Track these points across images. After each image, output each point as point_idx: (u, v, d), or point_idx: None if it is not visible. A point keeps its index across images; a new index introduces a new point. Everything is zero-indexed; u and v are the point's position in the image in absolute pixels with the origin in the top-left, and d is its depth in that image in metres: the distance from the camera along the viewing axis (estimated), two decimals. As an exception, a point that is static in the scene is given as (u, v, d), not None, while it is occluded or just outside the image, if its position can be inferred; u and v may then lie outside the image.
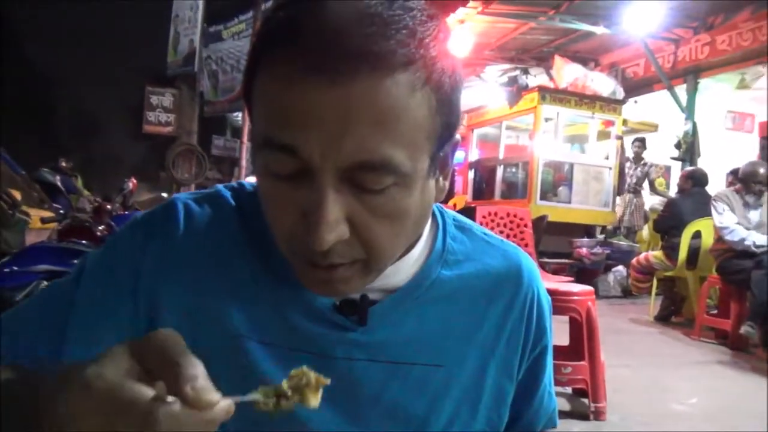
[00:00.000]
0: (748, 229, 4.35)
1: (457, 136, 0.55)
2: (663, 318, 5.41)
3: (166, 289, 0.58)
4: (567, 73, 7.95)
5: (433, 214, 0.66)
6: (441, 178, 0.56)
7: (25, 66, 26.13)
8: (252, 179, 0.69)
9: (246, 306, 0.58)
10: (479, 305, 0.64)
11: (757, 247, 4.20)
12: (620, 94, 7.86)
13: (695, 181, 5.53)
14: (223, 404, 0.37)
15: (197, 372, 0.36)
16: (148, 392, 0.35)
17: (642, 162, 7.79)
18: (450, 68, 0.49)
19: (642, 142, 7.90)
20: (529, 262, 0.70)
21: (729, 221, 4.37)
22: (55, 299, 0.59)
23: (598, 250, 6.83)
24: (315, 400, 0.41)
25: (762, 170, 4.44)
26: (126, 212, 3.76)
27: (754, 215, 4.43)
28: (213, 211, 0.62)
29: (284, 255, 0.53)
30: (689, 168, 6.49)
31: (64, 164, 8.11)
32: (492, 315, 0.65)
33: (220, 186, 0.65)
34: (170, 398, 0.35)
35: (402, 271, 0.60)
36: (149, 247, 0.59)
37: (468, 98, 10.48)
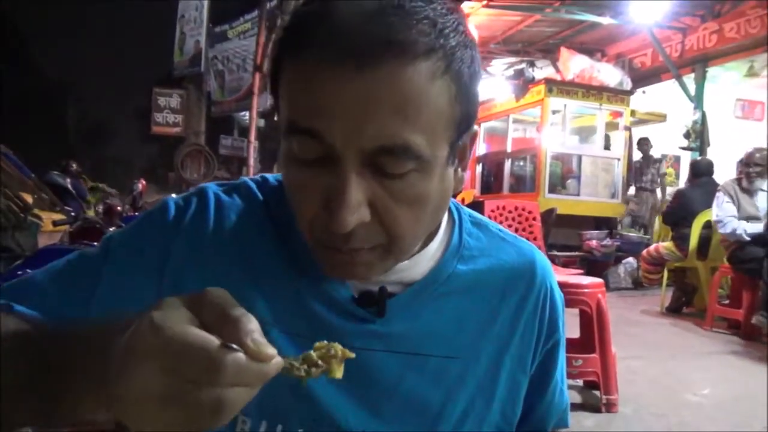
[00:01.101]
0: (755, 217, 4.33)
1: (475, 128, 0.57)
2: (674, 309, 5.39)
3: (193, 274, 0.59)
4: (574, 64, 7.92)
5: (450, 211, 0.67)
6: (460, 169, 0.57)
7: (33, 69, 26.35)
8: (273, 174, 0.71)
9: (270, 296, 0.60)
10: (494, 299, 0.66)
11: (749, 234, 4.19)
12: (628, 84, 7.81)
13: (702, 170, 5.50)
14: (278, 359, 0.38)
15: (255, 327, 0.37)
16: (215, 340, 0.36)
17: (653, 160, 7.80)
18: (469, 59, 0.51)
19: (647, 141, 7.91)
20: (542, 259, 0.71)
21: (724, 214, 4.36)
22: (82, 271, 0.60)
23: (607, 242, 6.80)
24: (339, 372, 0.42)
25: (758, 154, 4.42)
26: (136, 213, 3.78)
27: (762, 201, 4.40)
28: (241, 203, 0.63)
29: (306, 241, 0.55)
30: (695, 158, 6.47)
31: (74, 166, 8.17)
32: (506, 309, 0.66)
33: (246, 178, 0.67)
34: (235, 347, 0.36)
35: (419, 264, 0.62)
36: (181, 231, 0.61)
37: (474, 92, 10.48)
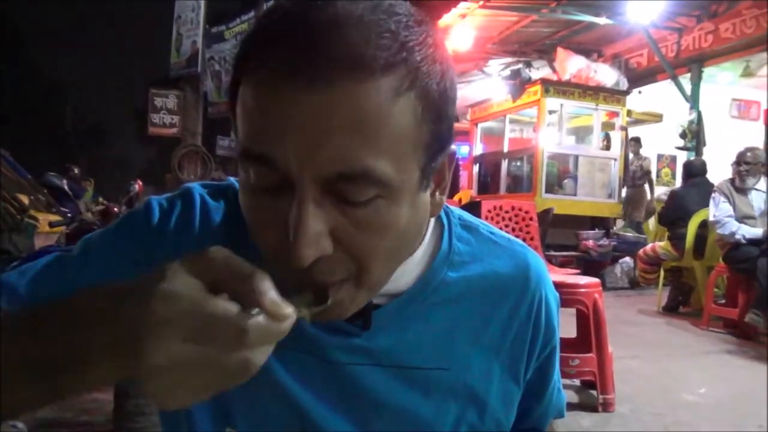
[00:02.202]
0: (751, 216, 4.35)
1: (453, 148, 0.53)
2: (671, 308, 5.40)
3: None
4: (570, 65, 7.93)
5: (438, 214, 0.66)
6: (438, 193, 0.54)
7: (30, 72, 26.28)
8: None
9: None
10: (485, 307, 0.63)
11: (747, 240, 4.20)
12: (624, 84, 7.83)
13: (695, 171, 5.54)
14: (293, 315, 0.38)
15: (268, 285, 0.37)
16: (233, 305, 0.36)
17: (641, 158, 7.91)
18: (438, 74, 0.47)
19: (637, 141, 8.03)
20: (537, 262, 0.68)
21: (722, 214, 4.38)
22: (57, 273, 0.58)
23: (604, 242, 6.81)
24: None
25: (749, 153, 4.45)
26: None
27: (758, 201, 4.42)
28: (226, 206, 0.61)
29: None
30: (689, 159, 6.52)
31: (76, 171, 8.15)
32: (498, 317, 0.63)
33: (233, 179, 0.63)
34: (254, 310, 0.36)
35: (406, 273, 0.59)
36: (164, 234, 0.58)
37: (471, 92, 10.47)
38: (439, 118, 0.48)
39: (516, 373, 0.65)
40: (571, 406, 2.75)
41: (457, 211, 0.68)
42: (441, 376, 0.61)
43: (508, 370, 0.65)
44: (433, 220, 0.62)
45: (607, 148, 7.85)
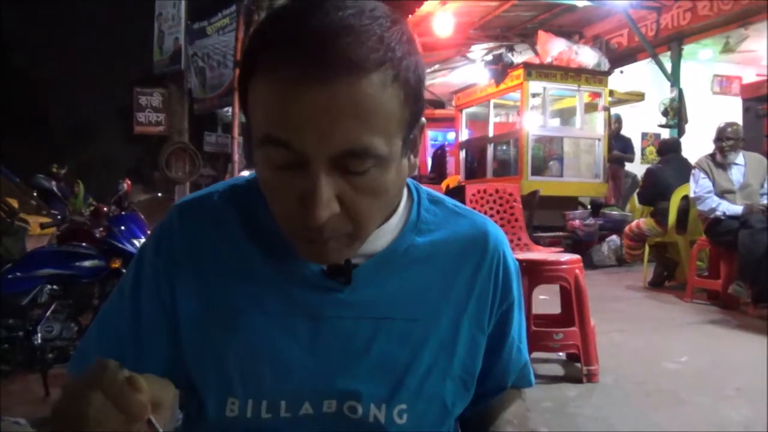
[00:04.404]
0: (731, 191, 4.45)
1: (423, 120, 0.64)
2: (656, 284, 5.52)
3: (179, 284, 0.69)
4: (552, 47, 7.98)
5: (409, 190, 0.75)
6: (412, 156, 0.65)
7: (13, 74, 25.96)
8: (245, 174, 0.79)
9: (247, 285, 0.68)
10: (451, 267, 0.73)
11: (728, 216, 4.31)
12: (605, 65, 7.90)
13: (669, 148, 5.65)
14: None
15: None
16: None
17: (621, 138, 8.06)
18: (414, 65, 0.57)
19: (617, 119, 8.17)
20: (495, 229, 0.78)
21: (701, 190, 4.48)
22: (115, 318, 0.73)
23: (590, 221, 6.91)
24: None
25: (729, 129, 4.53)
26: (123, 213, 3.83)
27: (737, 175, 4.51)
28: (209, 209, 0.72)
29: (285, 234, 0.63)
30: (663, 138, 6.64)
31: (62, 172, 8.14)
32: (462, 275, 0.73)
33: (216, 186, 0.75)
34: None
35: (381, 238, 0.69)
36: (158, 257, 0.70)
37: (455, 78, 10.51)
38: (416, 100, 0.59)
39: (481, 324, 0.75)
40: (557, 379, 2.84)
41: (425, 188, 0.78)
42: (415, 326, 0.70)
43: (475, 322, 0.74)
44: (405, 195, 0.73)
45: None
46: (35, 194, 5.93)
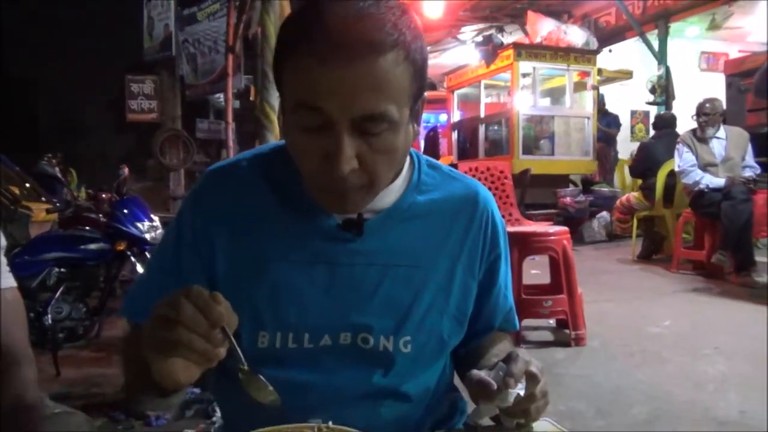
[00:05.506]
0: (713, 164, 4.60)
1: (425, 95, 0.76)
2: (645, 256, 5.69)
3: (215, 239, 0.81)
4: (541, 27, 8.08)
5: (411, 157, 0.88)
6: (415, 125, 0.77)
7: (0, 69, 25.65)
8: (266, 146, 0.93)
9: (273, 238, 0.81)
10: (446, 222, 0.85)
11: (711, 189, 4.46)
12: (594, 44, 8.00)
13: (663, 123, 5.78)
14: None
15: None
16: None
17: (606, 114, 8.20)
18: (420, 47, 0.70)
19: (601, 98, 8.33)
20: (485, 191, 0.91)
21: (686, 163, 4.63)
22: (161, 268, 0.85)
23: (581, 198, 7.06)
24: None
25: (708, 104, 4.67)
26: (126, 197, 3.93)
27: (719, 149, 4.66)
28: (237, 174, 0.84)
29: (308, 190, 0.76)
30: (658, 113, 6.75)
31: (54, 161, 8.20)
32: (456, 229, 0.85)
33: (240, 154, 0.88)
34: None
35: (387, 196, 0.81)
36: (195, 217, 0.82)
37: (447, 60, 10.57)
38: (421, 77, 0.71)
39: (472, 271, 0.88)
40: (547, 344, 3.00)
41: (424, 156, 0.92)
42: (416, 271, 0.83)
43: (467, 269, 0.87)
44: (408, 161, 0.85)
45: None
46: (35, 183, 6.00)
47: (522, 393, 0.69)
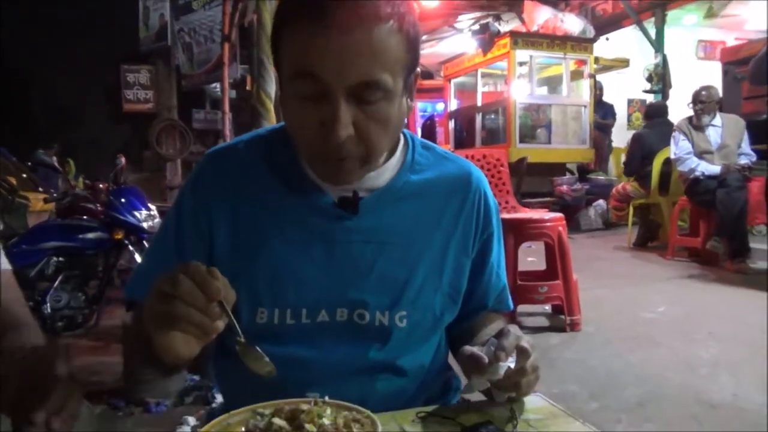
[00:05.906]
0: (709, 151, 4.61)
1: (418, 70, 0.77)
2: (640, 244, 5.73)
3: (215, 217, 0.83)
4: (538, 15, 8.05)
5: (405, 137, 0.89)
6: (408, 100, 0.78)
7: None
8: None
9: (271, 216, 0.83)
10: (440, 201, 0.87)
11: (707, 176, 4.48)
12: (591, 32, 7.98)
13: (656, 113, 5.79)
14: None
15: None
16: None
17: (602, 104, 8.19)
18: (413, 21, 0.72)
19: (600, 87, 8.31)
20: (477, 171, 0.93)
21: (682, 151, 4.65)
22: (163, 247, 0.87)
23: (577, 186, 7.08)
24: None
25: (704, 92, 4.69)
26: (121, 186, 3.94)
27: (714, 136, 4.68)
28: (236, 155, 0.86)
29: (307, 159, 0.78)
30: (650, 102, 6.76)
31: (51, 152, 8.19)
32: (450, 208, 0.87)
33: (239, 137, 0.90)
34: None
35: (382, 175, 0.83)
36: (196, 196, 0.84)
37: (443, 48, 10.53)
38: (414, 49, 0.73)
39: (465, 249, 0.89)
40: (543, 329, 3.03)
41: (418, 137, 0.93)
42: (410, 249, 0.85)
43: (460, 247, 0.89)
44: (402, 141, 0.87)
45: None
46: (32, 173, 6.01)
47: (513, 366, 0.70)
